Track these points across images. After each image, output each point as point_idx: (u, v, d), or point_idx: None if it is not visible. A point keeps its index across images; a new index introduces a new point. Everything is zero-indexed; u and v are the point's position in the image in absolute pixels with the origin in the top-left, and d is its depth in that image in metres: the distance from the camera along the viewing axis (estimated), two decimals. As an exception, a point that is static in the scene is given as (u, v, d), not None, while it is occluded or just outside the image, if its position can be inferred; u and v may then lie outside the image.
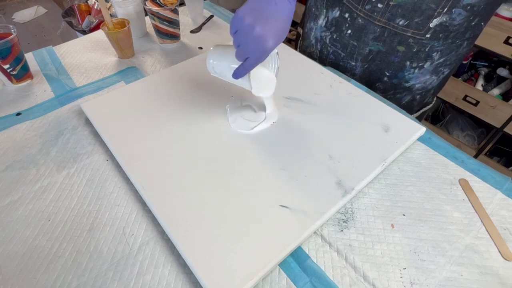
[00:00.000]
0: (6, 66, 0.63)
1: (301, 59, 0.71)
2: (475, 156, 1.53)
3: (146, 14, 0.79)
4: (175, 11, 0.74)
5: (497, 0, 0.58)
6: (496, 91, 1.44)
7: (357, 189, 0.47)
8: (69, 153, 0.54)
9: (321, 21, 0.72)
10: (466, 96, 1.46)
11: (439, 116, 1.76)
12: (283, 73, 0.67)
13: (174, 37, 0.79)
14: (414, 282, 0.40)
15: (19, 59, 0.65)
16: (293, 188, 0.47)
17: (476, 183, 0.50)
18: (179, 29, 0.79)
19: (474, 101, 1.44)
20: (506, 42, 1.27)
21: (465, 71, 1.57)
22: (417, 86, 0.69)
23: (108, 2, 1.40)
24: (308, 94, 0.62)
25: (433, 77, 0.68)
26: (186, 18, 0.92)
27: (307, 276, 0.40)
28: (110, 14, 0.72)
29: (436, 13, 0.57)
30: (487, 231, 0.45)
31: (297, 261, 0.42)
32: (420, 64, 0.64)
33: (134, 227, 0.44)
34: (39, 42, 2.29)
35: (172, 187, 0.47)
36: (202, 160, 0.50)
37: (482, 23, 0.61)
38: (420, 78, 0.67)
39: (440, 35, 0.60)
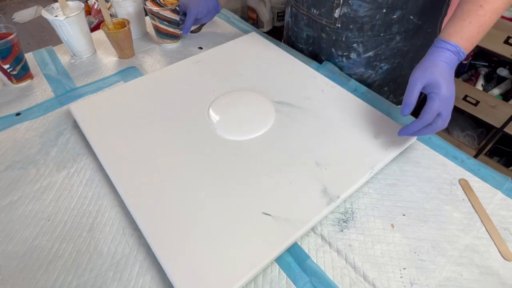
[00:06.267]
0: (6, 66, 0.63)
1: (293, 62, 0.69)
2: (475, 156, 1.53)
3: (146, 14, 0.79)
4: (175, 11, 0.74)
5: None
6: (496, 91, 1.43)
7: (343, 197, 0.45)
8: (69, 153, 0.54)
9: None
10: (466, 96, 1.46)
11: (439, 116, 1.76)
12: (274, 76, 0.66)
13: (174, 37, 0.79)
14: (414, 282, 0.40)
15: (19, 59, 0.65)
16: (278, 195, 0.45)
17: (476, 183, 0.50)
18: (179, 29, 0.78)
19: (474, 101, 1.44)
20: (506, 42, 1.27)
21: (465, 71, 1.57)
22: (353, 77, 0.71)
23: (108, 2, 1.40)
24: (299, 98, 0.60)
25: (369, 71, 0.71)
26: (186, 18, 0.92)
27: (307, 276, 0.40)
28: (110, 14, 0.72)
29: (335, 4, 0.62)
30: (487, 231, 0.45)
31: (297, 261, 0.42)
32: (345, 54, 0.69)
33: (134, 227, 0.44)
34: (39, 42, 2.29)
35: (155, 193, 0.46)
36: (188, 165, 0.49)
37: (412, 17, 0.62)
38: (353, 69, 0.71)
39: (351, 26, 0.64)
